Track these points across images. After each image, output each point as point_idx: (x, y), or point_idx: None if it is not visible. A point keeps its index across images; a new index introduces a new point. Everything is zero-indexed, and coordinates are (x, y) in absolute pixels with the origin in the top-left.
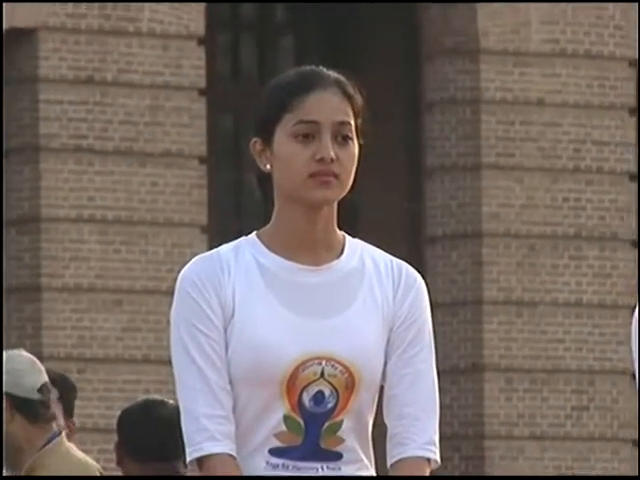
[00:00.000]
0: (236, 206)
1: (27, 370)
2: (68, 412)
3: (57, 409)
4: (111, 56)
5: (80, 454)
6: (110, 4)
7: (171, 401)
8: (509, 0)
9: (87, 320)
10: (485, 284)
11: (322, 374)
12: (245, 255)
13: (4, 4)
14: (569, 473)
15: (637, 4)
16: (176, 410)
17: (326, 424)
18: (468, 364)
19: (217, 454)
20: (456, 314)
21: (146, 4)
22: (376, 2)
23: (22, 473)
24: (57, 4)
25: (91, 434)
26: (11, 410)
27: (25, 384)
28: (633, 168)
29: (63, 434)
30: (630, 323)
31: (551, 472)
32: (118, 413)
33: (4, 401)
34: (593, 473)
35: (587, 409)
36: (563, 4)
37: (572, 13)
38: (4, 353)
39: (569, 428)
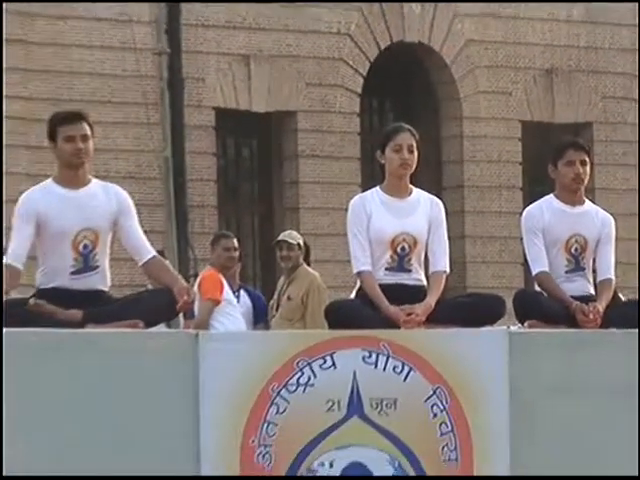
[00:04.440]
0: (371, 176)
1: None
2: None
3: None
4: (326, 127)
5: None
6: (321, 96)
7: None
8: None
9: (306, 221)
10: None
11: (404, 240)
12: (374, 195)
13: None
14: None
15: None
16: None
17: (406, 259)
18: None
19: (365, 270)
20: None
21: (338, 94)
22: (427, 91)
23: (289, 279)
24: (308, 95)
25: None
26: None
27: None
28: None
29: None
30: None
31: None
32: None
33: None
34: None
35: None
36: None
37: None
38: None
39: None
